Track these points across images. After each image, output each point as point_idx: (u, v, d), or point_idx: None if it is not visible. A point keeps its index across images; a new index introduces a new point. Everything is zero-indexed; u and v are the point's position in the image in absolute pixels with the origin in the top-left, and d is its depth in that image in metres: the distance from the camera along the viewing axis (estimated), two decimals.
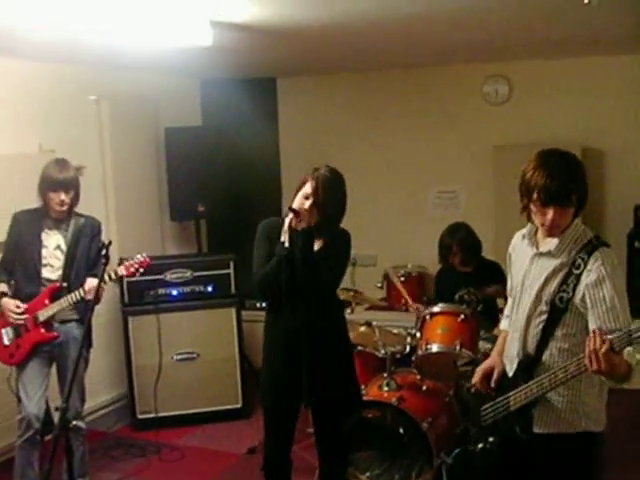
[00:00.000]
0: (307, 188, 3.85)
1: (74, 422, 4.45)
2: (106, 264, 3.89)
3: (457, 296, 5.44)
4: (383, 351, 4.93)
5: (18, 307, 4.58)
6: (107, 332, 6.25)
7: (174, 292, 6.14)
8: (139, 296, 6.05)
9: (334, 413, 4.04)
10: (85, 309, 4.55)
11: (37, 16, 3.97)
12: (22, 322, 4.59)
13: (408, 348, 5.07)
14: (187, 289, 6.18)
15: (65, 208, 4.62)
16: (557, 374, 2.95)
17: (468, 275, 5.51)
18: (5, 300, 4.62)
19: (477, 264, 5.54)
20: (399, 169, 7.61)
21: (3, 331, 4.66)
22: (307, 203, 3.82)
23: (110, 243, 3.99)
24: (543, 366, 3.07)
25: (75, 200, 4.68)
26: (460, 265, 5.53)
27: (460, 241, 5.45)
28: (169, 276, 6.12)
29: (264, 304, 4.29)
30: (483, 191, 7.07)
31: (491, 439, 3.28)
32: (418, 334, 4.98)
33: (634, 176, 6.76)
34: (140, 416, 6.11)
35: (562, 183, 2.93)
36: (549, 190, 2.92)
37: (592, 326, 2.89)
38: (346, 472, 4.36)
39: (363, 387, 4.79)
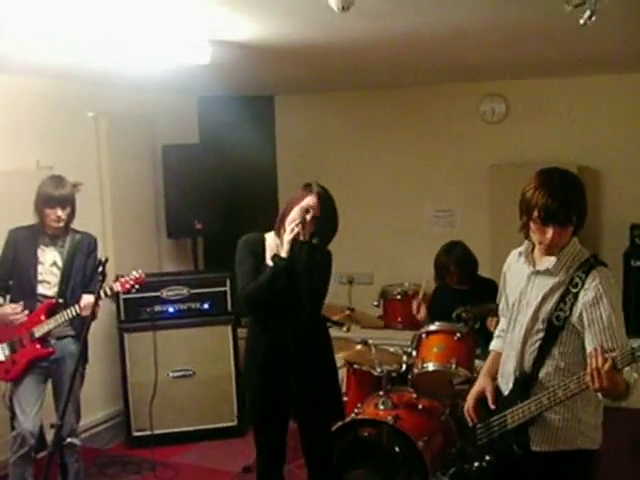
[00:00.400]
0: (308, 201, 3.91)
1: (69, 439, 4.45)
2: (102, 281, 3.90)
3: (454, 314, 5.44)
4: (379, 369, 4.92)
5: (14, 308, 4.57)
6: (103, 348, 6.23)
7: (170, 309, 6.14)
8: (135, 313, 6.04)
9: (321, 425, 4.09)
10: (81, 325, 4.55)
11: (36, 34, 3.99)
12: (25, 319, 4.56)
13: (404, 367, 5.06)
14: (183, 306, 6.17)
15: (61, 224, 4.63)
16: (557, 392, 2.94)
17: (464, 293, 5.51)
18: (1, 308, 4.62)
19: (473, 282, 5.55)
20: (395, 187, 7.62)
21: None
22: (308, 216, 3.87)
23: (107, 260, 4.00)
24: (539, 384, 3.06)
25: (71, 216, 4.69)
26: (457, 283, 5.53)
27: (456, 260, 5.46)
28: (165, 293, 6.11)
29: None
30: (479, 209, 7.09)
31: (487, 457, 3.27)
32: (414, 352, 4.99)
33: (630, 195, 6.78)
34: (135, 433, 6.09)
35: (562, 203, 2.93)
36: (549, 209, 2.92)
37: (588, 345, 2.90)
38: None
39: (359, 405, 4.80)
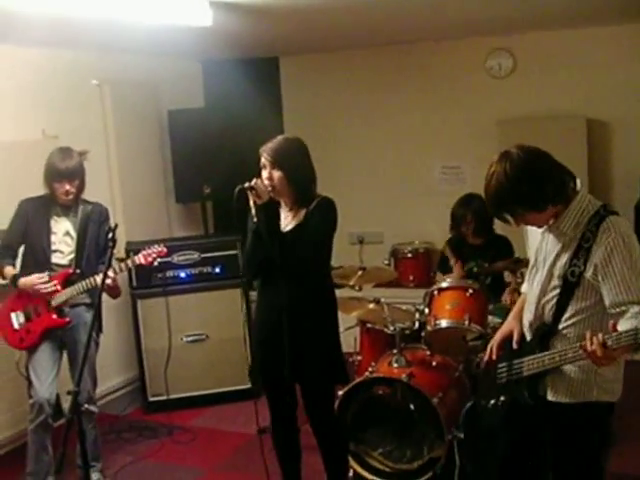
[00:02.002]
0: (261, 161, 3.90)
1: (86, 406, 4.49)
2: (113, 247, 3.89)
3: (466, 268, 5.45)
4: (392, 327, 4.92)
5: (41, 277, 4.58)
6: (116, 316, 6.26)
7: (182, 274, 6.15)
8: (147, 279, 6.05)
9: (318, 387, 4.09)
10: (97, 294, 4.57)
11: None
12: (53, 289, 4.57)
13: (417, 324, 5.06)
14: (195, 271, 6.18)
15: (71, 197, 4.64)
16: (567, 352, 2.95)
17: (478, 248, 5.51)
18: (22, 280, 4.60)
19: (487, 237, 5.53)
20: (403, 145, 7.59)
21: (13, 315, 4.67)
22: (263, 175, 3.87)
23: (116, 226, 3.99)
24: (559, 336, 3.07)
25: (81, 188, 4.69)
26: (472, 236, 5.51)
27: (474, 210, 5.43)
28: (176, 258, 6.12)
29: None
30: (488, 165, 7.04)
31: (502, 398, 3.30)
32: (427, 310, 4.98)
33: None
34: (151, 399, 6.13)
35: (492, 208, 3.03)
36: (492, 214, 3.11)
37: (606, 299, 2.89)
38: (344, 449, 4.41)
39: (373, 364, 4.81)
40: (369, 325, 5.14)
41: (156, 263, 4.73)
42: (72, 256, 4.69)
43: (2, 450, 5.48)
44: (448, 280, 5.09)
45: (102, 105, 6.40)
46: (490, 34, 6.97)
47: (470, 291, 4.85)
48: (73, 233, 4.70)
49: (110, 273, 4.35)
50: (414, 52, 7.37)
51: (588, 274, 2.93)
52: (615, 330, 2.68)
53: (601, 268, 2.88)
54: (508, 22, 6.28)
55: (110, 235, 3.89)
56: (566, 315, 3.04)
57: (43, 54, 5.74)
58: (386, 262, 6.86)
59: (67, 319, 4.65)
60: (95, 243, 4.73)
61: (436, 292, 4.97)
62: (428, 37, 7.04)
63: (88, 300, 4.74)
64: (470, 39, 7.10)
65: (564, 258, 3.01)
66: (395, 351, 4.83)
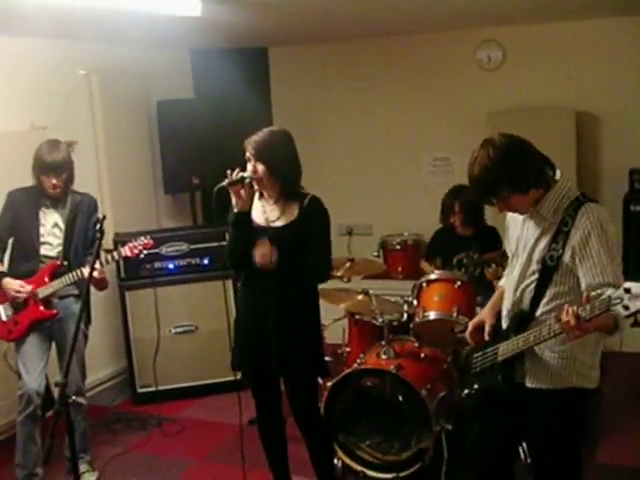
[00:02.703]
0: (247, 154, 3.90)
1: (74, 397, 4.47)
2: (101, 238, 3.88)
3: (455, 259, 5.46)
4: (380, 319, 4.93)
5: (22, 286, 4.58)
6: (105, 307, 6.25)
7: (170, 265, 6.13)
8: (135, 270, 6.03)
9: (303, 379, 4.11)
10: (84, 286, 4.57)
11: None
12: (24, 297, 4.60)
13: (405, 316, 5.07)
14: (183, 262, 6.16)
15: (58, 190, 4.62)
16: (542, 331, 2.98)
17: (466, 239, 5.52)
18: (7, 280, 4.61)
19: (477, 228, 5.54)
20: (393, 137, 7.59)
21: (1, 307, 4.66)
22: (248, 167, 3.87)
23: (105, 218, 3.98)
24: (537, 322, 3.10)
25: (68, 181, 4.66)
26: (460, 227, 5.52)
27: (463, 201, 5.44)
28: (165, 249, 6.10)
29: None
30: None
31: (476, 386, 3.37)
32: (415, 302, 4.99)
33: (629, 140, 6.74)
34: (140, 390, 6.13)
35: (476, 192, 3.11)
36: (477, 200, 3.18)
37: (582, 281, 2.94)
38: (329, 440, 4.44)
39: (361, 355, 4.81)
40: (357, 317, 5.15)
41: (142, 255, 4.71)
42: (60, 248, 4.68)
43: None
44: (437, 272, 5.10)
45: (90, 95, 6.37)
46: (480, 26, 6.97)
47: (459, 283, 4.86)
48: (62, 225, 4.69)
49: (97, 265, 4.35)
50: (403, 44, 7.36)
51: (566, 257, 2.98)
52: (588, 302, 2.71)
53: (578, 250, 2.94)
54: (498, 14, 6.28)
55: (98, 226, 3.88)
56: (544, 300, 3.08)
57: (30, 44, 5.71)
58: (375, 254, 6.86)
59: (54, 311, 4.65)
60: (83, 234, 4.72)
61: (425, 284, 4.99)
62: (417, 29, 7.03)
63: (76, 291, 4.72)
64: (459, 31, 7.09)
65: (543, 243, 3.07)
66: (383, 343, 4.83)
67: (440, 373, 4.80)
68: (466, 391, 3.45)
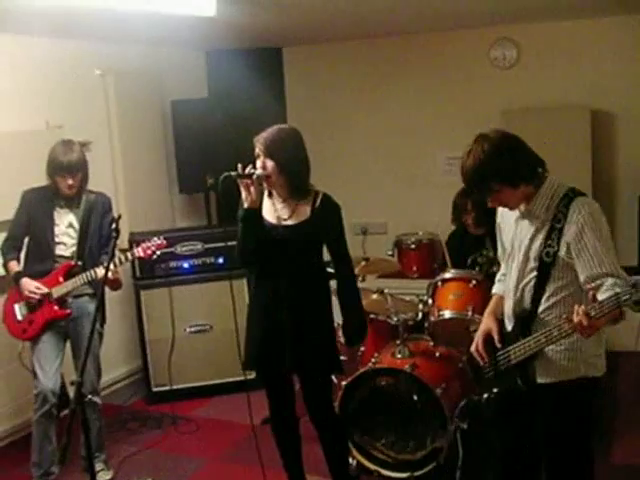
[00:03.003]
0: (256, 151, 3.90)
1: (90, 396, 4.49)
2: (117, 238, 3.89)
3: (470, 260, 5.43)
4: (395, 318, 4.93)
5: (39, 288, 4.61)
6: (120, 306, 6.27)
7: (185, 265, 6.15)
8: (150, 270, 6.06)
9: (315, 377, 4.11)
10: (99, 285, 4.58)
11: None
12: (37, 298, 4.62)
13: (420, 315, 5.07)
14: (198, 261, 6.18)
15: (74, 191, 4.64)
16: (552, 332, 3.06)
17: (480, 238, 5.49)
18: (25, 280, 4.64)
19: (489, 226, 5.51)
20: (407, 136, 7.57)
21: (16, 306, 4.70)
22: (257, 164, 3.87)
23: (120, 217, 3.99)
24: (539, 320, 3.18)
25: (84, 181, 4.69)
26: (473, 226, 5.48)
27: (475, 200, 5.40)
28: (180, 249, 6.12)
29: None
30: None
31: (495, 390, 3.39)
32: (430, 301, 4.98)
33: None
34: (155, 389, 6.15)
35: (469, 185, 3.21)
36: (469, 194, 3.29)
37: (580, 275, 3.01)
38: (344, 438, 4.43)
39: (376, 355, 4.81)
40: (372, 316, 5.14)
41: (155, 256, 4.73)
42: (74, 248, 4.70)
43: (7, 440, 5.50)
44: (452, 271, 5.08)
45: (105, 95, 6.39)
46: (494, 24, 6.94)
47: (474, 282, 4.85)
48: (76, 225, 4.71)
49: (110, 266, 4.37)
50: (417, 42, 7.35)
51: (562, 253, 3.06)
52: (595, 300, 2.79)
53: (574, 245, 3.01)
54: (512, 12, 6.26)
55: (114, 226, 3.90)
56: (545, 296, 3.15)
57: (46, 44, 5.74)
58: (389, 253, 6.85)
59: (68, 311, 4.67)
60: (98, 234, 4.74)
61: (440, 283, 4.98)
62: (431, 27, 7.01)
63: (91, 290, 4.75)
64: (474, 29, 7.07)
65: (538, 240, 3.14)
66: (398, 342, 4.83)
67: (455, 372, 4.78)
68: (485, 395, 3.45)
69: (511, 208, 3.22)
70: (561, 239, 3.05)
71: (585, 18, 6.67)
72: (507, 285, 3.37)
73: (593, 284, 2.91)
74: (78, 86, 6.08)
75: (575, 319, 2.81)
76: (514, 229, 3.28)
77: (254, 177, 3.80)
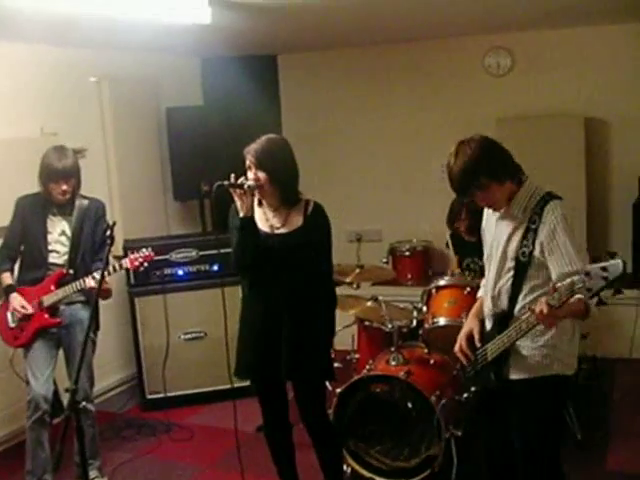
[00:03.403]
0: (246, 162, 3.91)
1: (83, 404, 4.48)
2: (111, 245, 3.90)
3: (465, 263, 5.46)
4: (390, 325, 4.93)
5: (24, 308, 4.60)
6: (114, 313, 6.26)
7: (180, 272, 6.15)
8: (145, 277, 6.04)
9: (313, 385, 4.11)
10: (91, 292, 4.56)
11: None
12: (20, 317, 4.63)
13: (415, 322, 5.07)
14: (193, 268, 6.17)
15: (68, 197, 4.61)
16: (521, 325, 3.15)
17: (472, 245, 5.50)
18: (13, 297, 4.63)
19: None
20: (402, 143, 7.59)
21: (9, 314, 4.68)
22: (249, 176, 3.88)
23: (114, 224, 3.99)
24: (516, 319, 3.24)
25: (77, 187, 4.67)
26: (466, 233, 5.49)
27: (470, 209, 5.41)
28: (174, 256, 6.12)
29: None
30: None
31: (473, 388, 3.56)
32: (424, 308, 4.99)
33: (638, 146, 6.73)
34: (149, 396, 6.13)
35: (459, 183, 3.26)
36: (455, 190, 3.34)
37: (553, 273, 3.13)
38: (339, 445, 4.43)
39: (370, 362, 4.81)
40: (367, 323, 5.15)
41: (142, 268, 4.67)
42: (67, 256, 4.68)
43: (1, 447, 5.49)
44: (446, 278, 5.09)
45: (100, 102, 6.40)
46: (488, 32, 6.97)
47: (468, 289, 4.86)
48: (69, 232, 4.69)
49: (96, 275, 4.37)
50: (412, 50, 7.37)
51: (536, 252, 3.17)
52: (555, 290, 2.87)
53: (547, 244, 3.13)
54: (506, 20, 6.28)
55: (108, 233, 3.89)
56: (521, 295, 3.25)
57: (42, 51, 5.74)
58: (384, 260, 6.87)
59: (58, 320, 4.66)
60: (91, 241, 4.72)
61: (434, 290, 4.99)
62: (426, 35, 7.04)
63: (83, 298, 4.73)
64: (468, 37, 7.10)
65: (515, 241, 3.26)
66: (393, 349, 4.83)
67: (449, 379, 4.78)
68: (465, 395, 3.70)
69: (497, 208, 3.33)
70: (536, 239, 3.16)
71: (578, 27, 6.70)
72: (486, 286, 3.49)
73: (562, 283, 2.94)
74: (73, 93, 6.09)
75: (537, 309, 2.91)
76: (493, 231, 3.41)
77: (246, 187, 3.81)
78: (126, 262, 4.59)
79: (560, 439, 3.40)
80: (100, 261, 4.57)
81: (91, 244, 4.72)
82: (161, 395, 6.06)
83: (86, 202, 4.74)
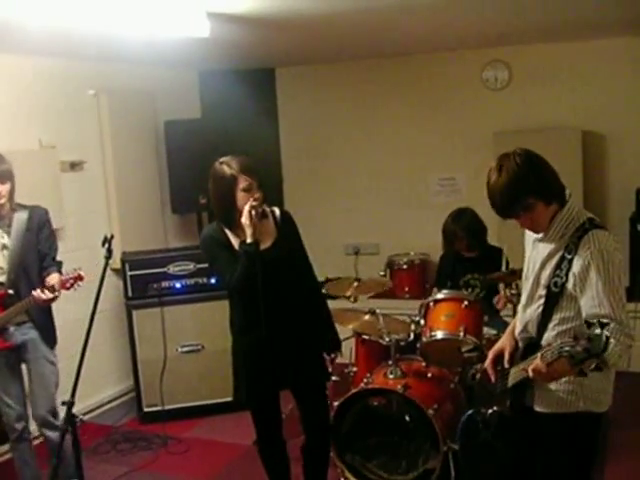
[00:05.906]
0: (242, 183, 3.85)
1: (44, 430, 4.44)
2: (109, 258, 3.86)
3: (462, 281, 5.44)
4: (387, 339, 4.92)
5: None
6: (112, 326, 6.26)
7: (177, 285, 6.14)
8: (143, 289, 6.04)
9: (314, 393, 4.13)
10: (37, 311, 4.37)
11: (33, 8, 3.95)
12: None
13: (412, 335, 5.05)
14: (190, 281, 6.17)
15: (2, 201, 4.36)
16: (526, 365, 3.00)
17: (473, 260, 5.50)
18: None
19: (482, 249, 5.52)
20: (399, 156, 7.61)
21: None
22: (256, 195, 3.84)
23: (112, 237, 3.97)
24: (542, 348, 3.05)
25: (12, 192, 4.43)
26: (466, 250, 5.50)
27: (465, 226, 5.40)
28: (172, 269, 6.11)
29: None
30: (484, 177, 7.04)
31: (494, 408, 3.37)
32: (422, 321, 4.98)
33: (635, 159, 6.76)
34: (146, 409, 6.12)
35: (503, 202, 3.02)
36: (496, 209, 3.05)
37: (582, 311, 2.94)
38: (329, 444, 4.40)
39: (368, 375, 4.81)
40: (364, 336, 5.14)
41: (74, 289, 4.37)
42: (6, 276, 4.38)
43: None
44: (444, 291, 5.09)
45: (98, 115, 6.40)
46: (486, 46, 7.00)
47: (466, 302, 4.84)
48: (10, 246, 4.40)
49: (52, 280, 4.27)
50: (410, 64, 7.40)
51: (569, 285, 2.98)
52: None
53: (579, 281, 2.93)
54: (504, 34, 6.30)
55: (106, 246, 3.87)
56: (551, 325, 3.08)
57: (39, 63, 5.75)
58: (382, 273, 6.87)
59: (8, 344, 4.38)
60: (34, 252, 4.43)
61: (432, 303, 4.97)
62: (424, 49, 7.06)
63: (26, 318, 4.43)
64: (466, 51, 7.13)
65: (548, 269, 3.07)
66: (390, 362, 4.82)
67: (447, 393, 4.78)
68: (488, 411, 3.44)
69: (538, 230, 3.11)
70: (569, 271, 2.96)
71: (576, 41, 6.73)
72: (519, 307, 3.34)
73: (554, 343, 2.84)
74: (71, 106, 6.10)
75: (533, 366, 2.83)
76: (530, 252, 3.24)
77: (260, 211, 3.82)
78: (57, 284, 4.28)
79: (589, 471, 3.24)
80: (52, 266, 4.43)
81: (35, 256, 4.43)
82: (158, 408, 6.04)
83: (25, 213, 4.46)
